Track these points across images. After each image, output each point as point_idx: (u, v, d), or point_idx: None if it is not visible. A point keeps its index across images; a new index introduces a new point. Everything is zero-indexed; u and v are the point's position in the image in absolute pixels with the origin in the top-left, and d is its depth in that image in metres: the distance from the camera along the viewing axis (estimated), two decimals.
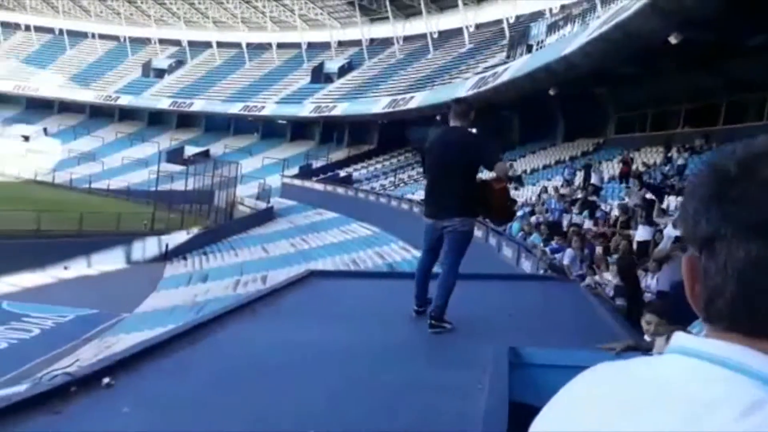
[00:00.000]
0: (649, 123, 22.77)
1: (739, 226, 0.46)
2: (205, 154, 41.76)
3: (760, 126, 16.62)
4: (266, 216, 30.25)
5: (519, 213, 14.18)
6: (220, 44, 49.92)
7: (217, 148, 43.57)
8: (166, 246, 25.00)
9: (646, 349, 3.17)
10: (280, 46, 47.79)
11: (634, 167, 18.39)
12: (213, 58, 50.22)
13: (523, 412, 2.75)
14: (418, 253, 17.02)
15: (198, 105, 44.99)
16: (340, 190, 29.50)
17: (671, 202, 13.22)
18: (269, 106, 42.03)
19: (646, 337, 3.92)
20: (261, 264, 22.05)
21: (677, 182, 15.53)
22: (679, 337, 0.53)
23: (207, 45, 50.56)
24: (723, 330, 0.50)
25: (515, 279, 6.52)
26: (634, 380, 0.52)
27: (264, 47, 48.51)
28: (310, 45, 46.30)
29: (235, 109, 43.19)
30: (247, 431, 2.54)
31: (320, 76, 42.83)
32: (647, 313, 4.13)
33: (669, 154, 18.59)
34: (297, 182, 34.19)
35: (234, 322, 4.13)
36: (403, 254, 18.28)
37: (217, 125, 45.70)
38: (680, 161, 17.12)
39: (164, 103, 46.07)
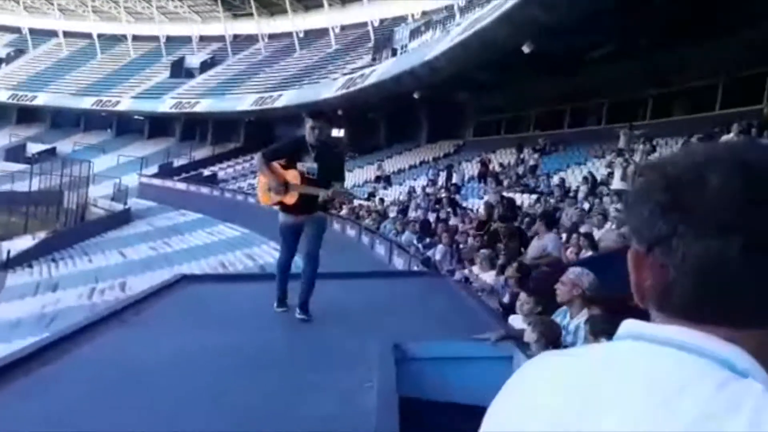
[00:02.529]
0: (504, 126, 24.37)
1: (697, 226, 0.52)
2: (52, 152, 38.22)
3: (599, 129, 18.43)
4: (123, 218, 28.31)
5: (391, 214, 14.63)
6: (67, 34, 45.94)
7: (65, 146, 40.03)
8: (8, 252, 22.57)
9: (519, 337, 3.39)
10: (136, 38, 44.96)
11: (491, 167, 19.61)
12: (59, 49, 46.09)
13: (412, 407, 2.85)
14: None
15: (42, 99, 41.07)
16: (205, 189, 28.38)
17: (525, 199, 14.27)
18: (125, 101, 39.40)
19: (520, 318, 4.21)
20: (118, 269, 20.62)
21: (530, 180, 16.80)
22: (631, 324, 0.57)
23: (52, 34, 46.31)
24: (678, 318, 0.54)
25: (391, 276, 6.69)
26: (595, 367, 0.54)
27: (118, 39, 45.36)
28: (170, 38, 44.02)
29: (86, 103, 39.97)
30: None
31: (181, 70, 40.90)
32: (524, 294, 4.43)
33: (521, 156, 20.02)
34: (156, 182, 32.36)
35: (100, 334, 3.84)
36: (274, 255, 18.00)
37: (65, 121, 41.98)
38: (531, 162, 18.51)
39: (2, 96, 41.53)
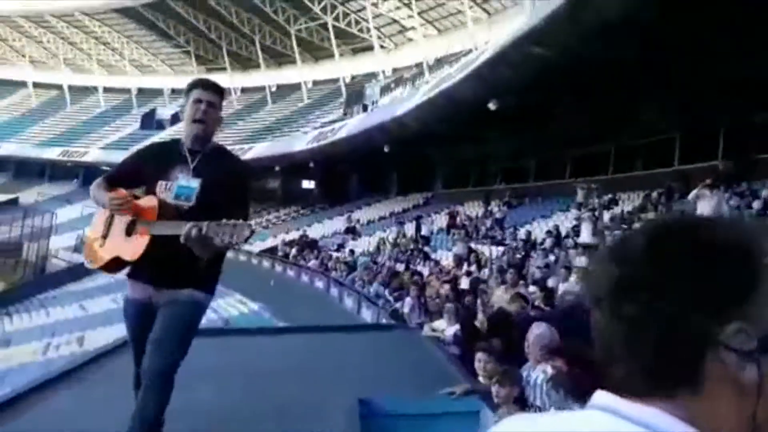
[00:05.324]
0: (472, 179, 24.81)
1: (590, 299, 0.57)
2: (14, 202, 37.40)
3: (565, 183, 18.86)
4: (84, 270, 27.58)
5: (360, 263, 14.60)
6: (36, 84, 45.75)
7: (28, 196, 39.24)
8: None
9: (484, 392, 3.38)
10: (107, 90, 44.99)
11: (458, 219, 19.86)
12: (28, 99, 45.78)
13: None
14: (255, 306, 16.60)
15: (7, 148, 40.46)
16: None
17: (492, 251, 14.42)
18: (93, 152, 39.02)
19: (480, 379, 4.19)
20: (77, 323, 19.96)
21: (497, 233, 17.03)
22: (601, 395, 0.58)
23: (21, 84, 46.08)
24: (631, 393, 0.55)
25: (359, 330, 6.63)
26: None
27: (89, 90, 45.33)
28: (141, 90, 44.17)
29: (51, 154, 39.48)
30: None
31: (152, 122, 40.90)
32: (478, 352, 4.40)
33: (489, 208, 20.35)
34: None
35: (55, 393, 3.69)
36: (240, 308, 17.67)
37: (28, 171, 41.31)
38: (498, 215, 18.83)
39: None
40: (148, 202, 2.46)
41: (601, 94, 16.26)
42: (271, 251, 22.17)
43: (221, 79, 43.93)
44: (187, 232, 2.20)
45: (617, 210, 14.93)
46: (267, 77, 39.19)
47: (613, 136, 18.17)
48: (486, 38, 22.08)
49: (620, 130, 17.94)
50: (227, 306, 18.69)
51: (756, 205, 11.16)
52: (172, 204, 2.46)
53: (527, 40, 12.89)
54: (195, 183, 2.47)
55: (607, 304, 0.56)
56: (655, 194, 14.62)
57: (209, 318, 18.13)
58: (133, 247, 2.41)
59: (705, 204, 10.05)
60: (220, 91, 2.71)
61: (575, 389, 2.93)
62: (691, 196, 10.65)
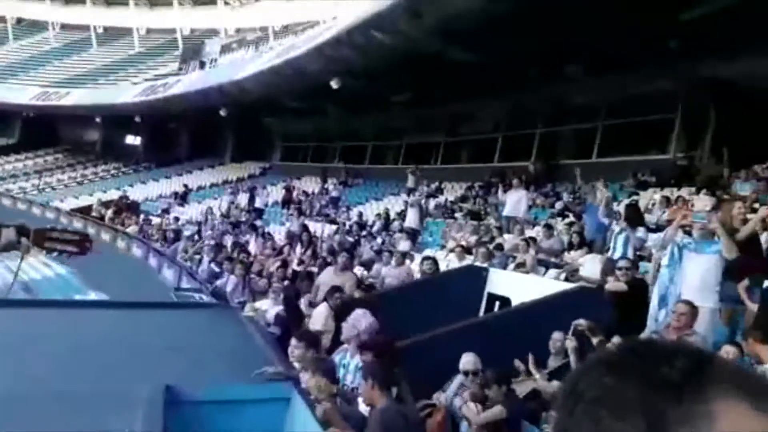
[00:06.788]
0: (311, 154, 24.81)
1: None
2: None
3: (397, 168, 19.61)
4: None
5: (186, 233, 13.85)
6: None
7: None
8: None
9: (295, 378, 3.42)
10: None
11: (294, 194, 19.78)
12: None
13: None
14: (63, 270, 15.12)
15: None
16: None
17: (326, 229, 14.59)
18: None
19: (295, 364, 4.25)
20: None
21: (331, 211, 17.26)
22: None
23: None
24: None
25: (176, 307, 6.31)
26: None
27: None
28: None
29: None
30: None
31: None
32: (294, 339, 4.46)
33: (325, 186, 20.52)
34: None
35: None
36: (44, 271, 15.99)
37: None
38: (334, 193, 19.06)
39: None
40: None
41: (438, 88, 17.13)
42: (84, 211, 20.29)
43: (38, 9, 38.98)
44: None
45: (441, 199, 15.87)
46: (93, 15, 35.40)
47: (445, 129, 19.24)
48: (334, 13, 22.03)
49: (452, 124, 19.07)
50: (29, 269, 16.79)
51: (558, 205, 12.48)
52: None
53: (371, 24, 13.07)
54: None
55: None
56: (476, 186, 15.76)
57: (5, 281, 16.18)
58: None
59: (511, 197, 11.10)
60: None
61: (383, 380, 3.10)
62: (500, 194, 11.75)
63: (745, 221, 5.43)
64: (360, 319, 3.68)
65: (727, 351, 4.04)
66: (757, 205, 7.67)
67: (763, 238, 5.93)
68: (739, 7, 9.68)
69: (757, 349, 3.95)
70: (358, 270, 8.44)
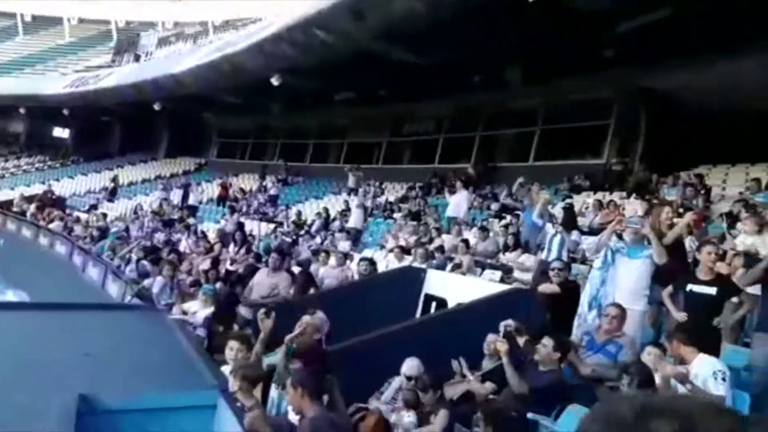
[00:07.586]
0: (249, 151, 24.31)
1: None
2: None
3: (339, 167, 19.45)
4: None
5: (113, 230, 13.21)
6: None
7: None
8: None
9: (221, 384, 3.26)
10: None
11: (230, 191, 19.29)
12: None
13: None
14: None
15: None
16: None
17: (261, 227, 14.27)
18: None
19: (230, 362, 4.08)
20: None
21: (269, 209, 16.92)
22: None
23: None
24: None
25: (97, 309, 5.98)
26: None
27: None
28: None
29: None
30: None
31: None
32: (230, 339, 4.32)
33: (264, 183, 20.11)
34: None
35: None
36: None
37: None
38: (273, 191, 18.69)
39: None
40: None
41: (381, 88, 17.10)
42: (5, 206, 19.13)
43: None
44: None
45: (382, 199, 15.82)
46: (21, 2, 33.60)
47: (387, 129, 19.23)
48: (277, 10, 21.67)
49: (395, 125, 19.08)
50: None
51: (494, 206, 12.64)
52: None
53: (313, 23, 12.89)
54: None
55: None
56: (417, 187, 15.80)
57: None
58: None
59: (454, 198, 11.23)
60: None
61: (312, 389, 2.99)
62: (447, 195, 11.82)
63: (672, 226, 5.59)
64: (323, 325, 3.57)
65: (651, 352, 4.13)
66: (682, 210, 7.97)
67: (687, 242, 6.15)
68: (672, 21, 10.07)
69: (681, 351, 4.05)
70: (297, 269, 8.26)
